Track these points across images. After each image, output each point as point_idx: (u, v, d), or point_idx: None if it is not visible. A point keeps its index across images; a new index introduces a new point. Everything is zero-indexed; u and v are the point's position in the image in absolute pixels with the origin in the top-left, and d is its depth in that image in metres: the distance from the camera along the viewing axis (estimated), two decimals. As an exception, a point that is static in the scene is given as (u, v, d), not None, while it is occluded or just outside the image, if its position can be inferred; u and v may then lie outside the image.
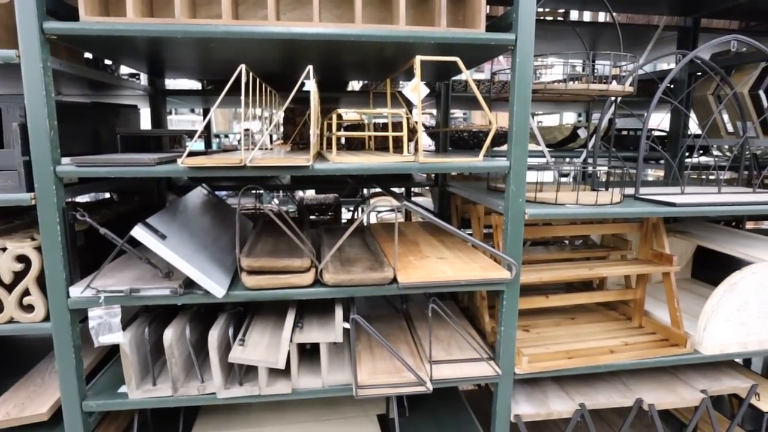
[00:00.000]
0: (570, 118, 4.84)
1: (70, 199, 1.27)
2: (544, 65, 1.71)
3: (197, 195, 1.80)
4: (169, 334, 1.20)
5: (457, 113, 5.17)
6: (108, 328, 1.15)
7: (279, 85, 1.80)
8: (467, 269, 1.33)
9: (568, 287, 2.00)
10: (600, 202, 1.39)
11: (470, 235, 1.78)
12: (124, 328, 1.21)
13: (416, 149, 1.26)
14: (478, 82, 2.26)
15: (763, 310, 1.52)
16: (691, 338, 1.51)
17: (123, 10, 1.08)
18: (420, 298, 2.00)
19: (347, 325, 1.30)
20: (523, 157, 1.26)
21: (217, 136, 6.09)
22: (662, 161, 2.82)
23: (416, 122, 1.25)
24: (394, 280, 1.28)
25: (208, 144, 2.89)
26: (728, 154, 2.90)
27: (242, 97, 1.12)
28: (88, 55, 1.75)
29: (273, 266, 1.26)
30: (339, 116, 1.41)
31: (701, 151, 2.89)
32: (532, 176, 1.38)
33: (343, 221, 2.58)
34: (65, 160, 1.16)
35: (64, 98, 1.81)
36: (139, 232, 1.12)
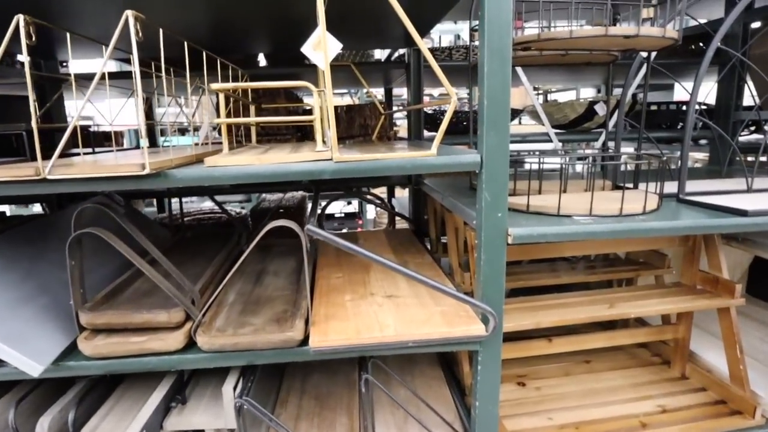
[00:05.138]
0: (587, 94, 4.26)
1: None
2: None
3: (98, 203, 1.38)
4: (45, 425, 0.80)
5: (461, 93, 4.61)
6: None
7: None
8: (422, 319, 0.89)
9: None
10: (627, 211, 0.91)
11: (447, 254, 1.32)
12: None
13: (327, 140, 0.80)
14: (458, 49, 1.78)
15: None
16: (761, 404, 1.04)
17: None
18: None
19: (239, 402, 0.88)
20: (501, 147, 0.80)
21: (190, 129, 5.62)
22: (699, 142, 2.28)
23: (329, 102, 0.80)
24: (306, 340, 0.84)
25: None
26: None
27: (134, 63, 0.69)
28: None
29: (126, 323, 0.84)
30: (240, 94, 0.96)
31: (753, 128, 2.33)
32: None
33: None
34: None
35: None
36: None
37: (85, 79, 1.70)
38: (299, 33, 1.32)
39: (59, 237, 1.14)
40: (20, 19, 0.67)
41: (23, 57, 0.68)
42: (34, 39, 0.69)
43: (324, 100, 0.83)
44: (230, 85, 0.82)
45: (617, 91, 2.79)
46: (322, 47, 0.74)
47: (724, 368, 1.13)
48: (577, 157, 1.71)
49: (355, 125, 1.79)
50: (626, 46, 0.98)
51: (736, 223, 0.89)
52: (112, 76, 1.58)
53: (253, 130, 1.27)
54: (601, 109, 1.97)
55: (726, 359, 1.11)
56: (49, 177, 0.72)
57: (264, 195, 2.45)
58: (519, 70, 1.71)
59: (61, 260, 1.06)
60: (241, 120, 0.87)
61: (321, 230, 0.77)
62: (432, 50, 1.79)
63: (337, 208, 4.27)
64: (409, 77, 1.57)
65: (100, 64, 0.72)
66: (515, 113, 2.36)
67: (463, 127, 2.08)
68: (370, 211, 4.31)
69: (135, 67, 0.70)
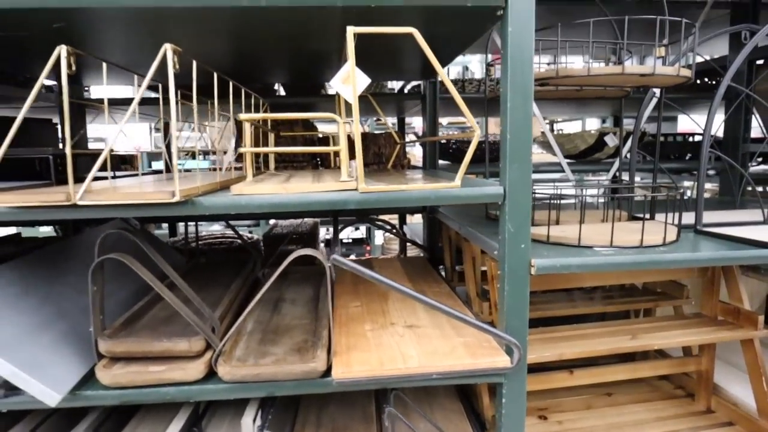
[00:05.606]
0: (593, 125, 4.32)
1: None
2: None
3: (117, 231, 1.39)
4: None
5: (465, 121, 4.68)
6: None
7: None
8: (445, 351, 0.88)
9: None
10: (647, 242, 0.91)
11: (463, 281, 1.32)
12: None
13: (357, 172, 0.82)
14: (471, 82, 1.83)
15: None
16: (793, 440, 1.01)
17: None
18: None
19: (261, 439, 0.86)
20: (524, 179, 0.81)
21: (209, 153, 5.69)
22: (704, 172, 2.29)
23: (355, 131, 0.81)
24: (328, 371, 0.83)
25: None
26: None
27: (170, 94, 0.71)
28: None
29: (146, 351, 0.83)
30: (265, 125, 0.98)
31: (760, 159, 2.36)
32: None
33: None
34: None
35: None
36: None
37: (111, 104, 1.75)
38: (316, 65, 1.36)
39: (76, 260, 1.14)
40: (62, 50, 0.70)
41: (63, 85, 0.69)
42: (74, 68, 0.71)
43: (346, 131, 0.85)
44: (259, 115, 0.85)
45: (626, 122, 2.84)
46: (351, 81, 0.77)
47: (750, 401, 1.11)
48: (596, 187, 1.72)
49: (369, 153, 1.82)
50: (641, 83, 1.00)
51: (757, 254, 0.89)
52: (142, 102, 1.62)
53: (271, 157, 1.29)
54: (611, 140, 1.99)
55: (753, 392, 1.08)
56: (80, 203, 0.73)
57: (276, 221, 2.46)
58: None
59: (78, 284, 1.06)
60: (269, 149, 0.89)
61: (347, 260, 0.77)
62: (454, 82, 1.84)
63: (345, 233, 4.28)
64: (425, 108, 1.61)
65: (128, 90, 0.74)
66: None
67: (475, 157, 2.10)
68: (378, 236, 4.30)
69: (171, 97, 0.72)
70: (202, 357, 0.85)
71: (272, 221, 2.60)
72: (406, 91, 1.97)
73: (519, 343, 0.83)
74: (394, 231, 1.69)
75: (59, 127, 1.71)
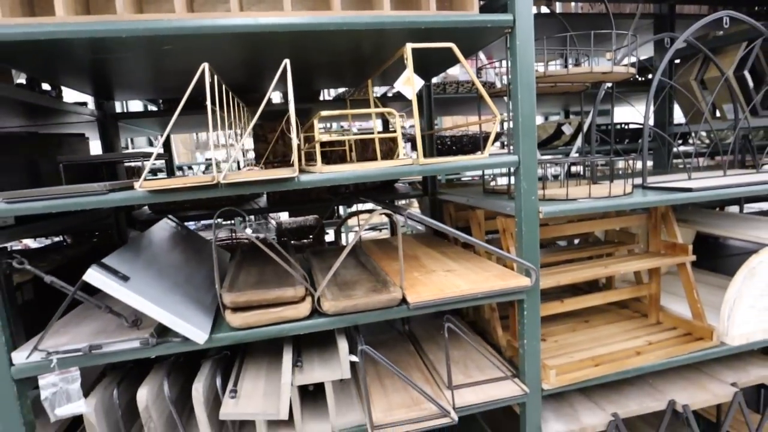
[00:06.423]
0: (539, 119, 4.85)
1: (5, 246, 1.06)
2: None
3: (163, 228, 1.59)
4: (143, 394, 0.99)
5: (459, 120, 5.00)
6: (65, 397, 0.93)
7: (244, 99, 1.62)
8: (481, 280, 1.19)
9: (574, 289, 1.89)
10: (613, 194, 1.28)
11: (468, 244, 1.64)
12: (87, 394, 0.99)
13: (415, 151, 1.11)
14: (463, 84, 2.17)
15: (786, 292, 1.45)
16: (716, 330, 1.42)
17: (52, 9, 0.89)
18: (422, 317, 1.84)
19: (354, 358, 1.13)
20: (532, 150, 1.14)
21: (180, 168, 5.72)
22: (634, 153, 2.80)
23: (408, 124, 1.11)
24: (403, 300, 1.12)
25: (170, 175, 2.65)
26: (707, 141, 2.92)
27: (208, 103, 0.94)
28: (22, 81, 1.54)
29: (262, 299, 1.08)
30: (321, 118, 1.25)
31: (680, 141, 2.89)
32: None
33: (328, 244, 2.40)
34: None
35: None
36: (93, 276, 0.92)
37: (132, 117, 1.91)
38: (313, 75, 1.59)
39: (156, 249, 1.34)
40: (206, 67, 0.93)
41: (208, 95, 0.90)
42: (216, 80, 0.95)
43: (398, 123, 1.14)
44: (336, 112, 1.12)
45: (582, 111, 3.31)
46: (410, 83, 1.06)
47: (686, 314, 1.51)
48: (572, 162, 2.11)
49: (369, 150, 2.11)
50: (600, 80, 1.37)
51: (686, 196, 1.28)
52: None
53: (318, 150, 1.54)
54: (567, 129, 2.41)
55: (687, 302, 1.49)
56: (223, 182, 0.96)
57: (280, 220, 2.69)
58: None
59: (171, 264, 1.27)
60: (339, 138, 1.16)
61: (416, 214, 1.06)
62: (435, 85, 2.16)
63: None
64: (421, 108, 1.92)
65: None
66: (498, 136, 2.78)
67: (467, 149, 2.43)
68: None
69: (209, 108, 0.94)
70: (304, 301, 1.10)
71: (278, 220, 2.81)
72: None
73: (535, 267, 1.17)
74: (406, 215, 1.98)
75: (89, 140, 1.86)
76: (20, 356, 0.95)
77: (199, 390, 1.04)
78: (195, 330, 1.00)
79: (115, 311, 1.00)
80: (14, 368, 0.95)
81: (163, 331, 1.02)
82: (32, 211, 0.92)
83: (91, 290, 0.95)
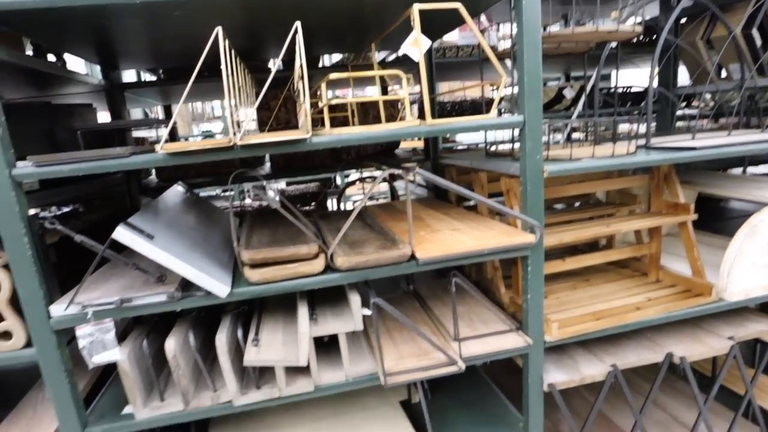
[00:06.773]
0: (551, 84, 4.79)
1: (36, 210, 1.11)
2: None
3: (175, 194, 1.64)
4: (171, 344, 1.06)
5: (456, 84, 4.96)
6: (102, 346, 1.01)
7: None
8: (487, 237, 1.24)
9: (574, 250, 1.95)
10: (617, 154, 1.31)
11: (471, 207, 1.68)
12: (118, 344, 1.06)
13: (423, 111, 1.14)
14: (463, 48, 2.16)
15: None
16: (716, 286, 1.47)
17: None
18: (426, 277, 1.91)
19: (366, 311, 1.19)
20: (537, 110, 1.17)
21: (177, 139, 5.71)
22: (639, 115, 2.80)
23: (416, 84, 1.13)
24: (412, 257, 1.17)
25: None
26: (711, 104, 2.90)
27: (223, 67, 0.97)
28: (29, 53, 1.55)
29: (278, 256, 1.13)
30: (330, 82, 1.27)
31: (684, 103, 2.88)
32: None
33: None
34: (21, 163, 0.99)
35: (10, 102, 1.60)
36: (122, 234, 0.97)
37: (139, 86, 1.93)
38: (313, 41, 1.60)
39: (173, 212, 1.40)
40: (219, 31, 0.95)
41: (222, 64, 0.92)
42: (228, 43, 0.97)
43: (408, 86, 1.17)
44: (344, 74, 1.14)
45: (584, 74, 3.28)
46: (417, 45, 1.08)
47: (685, 272, 1.56)
48: (576, 123, 2.13)
49: (369, 117, 2.12)
50: (606, 39, 1.38)
51: (690, 155, 1.31)
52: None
53: (326, 114, 1.57)
54: (569, 93, 2.41)
55: (687, 259, 1.54)
56: (239, 143, 1.00)
57: (286, 188, 2.73)
58: (508, 62, 2.11)
59: (188, 225, 1.33)
60: (344, 100, 1.19)
61: (427, 172, 1.10)
62: (435, 50, 2.16)
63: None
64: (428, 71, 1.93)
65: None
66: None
67: (468, 115, 2.44)
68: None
69: (224, 72, 0.95)
70: (317, 258, 1.16)
71: (280, 187, 2.86)
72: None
73: (539, 224, 1.21)
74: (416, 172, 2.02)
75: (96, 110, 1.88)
76: (58, 309, 1.01)
77: (222, 340, 1.11)
78: (218, 284, 1.06)
79: (141, 268, 1.06)
80: (53, 320, 1.02)
81: (186, 286, 1.08)
82: (60, 174, 0.96)
83: (115, 250, 1.00)
